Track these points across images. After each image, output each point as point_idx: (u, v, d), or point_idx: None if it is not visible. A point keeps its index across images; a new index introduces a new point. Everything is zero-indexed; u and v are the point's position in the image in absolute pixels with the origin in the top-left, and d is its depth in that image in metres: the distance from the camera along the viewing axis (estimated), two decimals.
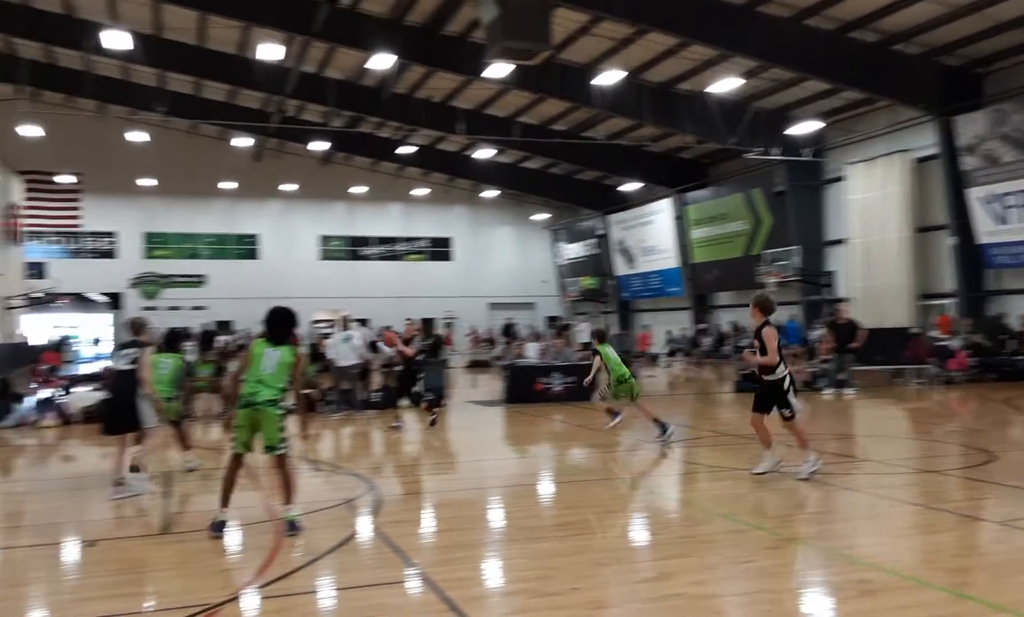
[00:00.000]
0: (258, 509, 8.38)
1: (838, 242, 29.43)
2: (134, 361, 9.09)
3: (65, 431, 15.19)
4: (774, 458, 9.47)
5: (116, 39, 23.61)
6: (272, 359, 7.27)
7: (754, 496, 8.95)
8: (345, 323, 18.10)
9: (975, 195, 23.93)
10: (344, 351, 17.00)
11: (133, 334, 9.50)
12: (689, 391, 23.36)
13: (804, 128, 27.33)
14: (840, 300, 26.97)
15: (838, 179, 29.00)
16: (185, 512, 8.50)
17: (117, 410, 9.23)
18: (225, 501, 7.33)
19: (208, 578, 6.26)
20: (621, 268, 41.85)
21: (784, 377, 9.23)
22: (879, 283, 27.00)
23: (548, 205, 45.64)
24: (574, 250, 46.07)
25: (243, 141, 37.29)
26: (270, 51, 24.90)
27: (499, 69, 22.34)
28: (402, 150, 37.03)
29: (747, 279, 31.56)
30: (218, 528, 7.24)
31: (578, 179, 41.20)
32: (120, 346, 9.41)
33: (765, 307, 9.25)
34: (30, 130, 32.08)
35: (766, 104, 27.93)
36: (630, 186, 38.10)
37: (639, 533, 7.67)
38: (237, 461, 7.39)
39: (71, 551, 7.25)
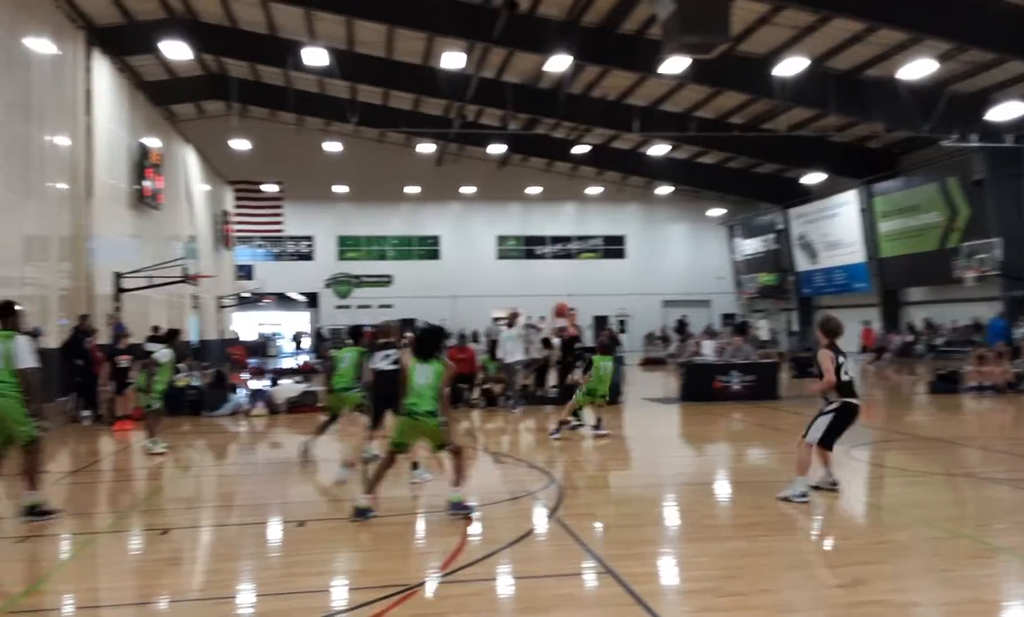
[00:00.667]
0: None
1: None
2: (396, 361, 9.97)
3: (272, 420, 16.49)
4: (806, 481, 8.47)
5: (315, 56, 25.37)
6: (425, 373, 7.91)
7: (949, 502, 8.52)
8: (512, 319, 18.19)
9: None
10: (510, 347, 17.28)
11: (385, 337, 10.39)
12: (883, 390, 22.24)
13: (1006, 112, 25.35)
14: None
15: None
16: (380, 498, 9.11)
17: (383, 406, 10.11)
18: (370, 489, 7.94)
19: (402, 560, 6.72)
20: (802, 263, 40.36)
21: (835, 406, 8.51)
22: None
23: (724, 200, 44.69)
24: (751, 246, 44.85)
25: (426, 147, 38.97)
26: (452, 59, 25.90)
27: (675, 64, 22.11)
28: (576, 150, 37.37)
29: (943, 274, 29.69)
30: (361, 514, 7.77)
31: (756, 173, 40.08)
32: (377, 347, 10.24)
33: (827, 329, 8.57)
34: (239, 144, 35.00)
35: (963, 88, 26.14)
36: (812, 178, 36.68)
37: (829, 537, 7.50)
38: (391, 458, 8.04)
39: (279, 530, 7.95)
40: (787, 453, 12.09)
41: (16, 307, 8.06)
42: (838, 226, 37.20)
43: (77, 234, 21.46)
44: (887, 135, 31.80)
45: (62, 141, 20.65)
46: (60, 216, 20.44)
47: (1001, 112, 25.41)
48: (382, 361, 10.12)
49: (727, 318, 45.36)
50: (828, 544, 7.27)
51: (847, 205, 36.31)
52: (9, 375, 7.69)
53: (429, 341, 8.18)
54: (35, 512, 7.77)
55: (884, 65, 25.29)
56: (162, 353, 12.82)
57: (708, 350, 25.19)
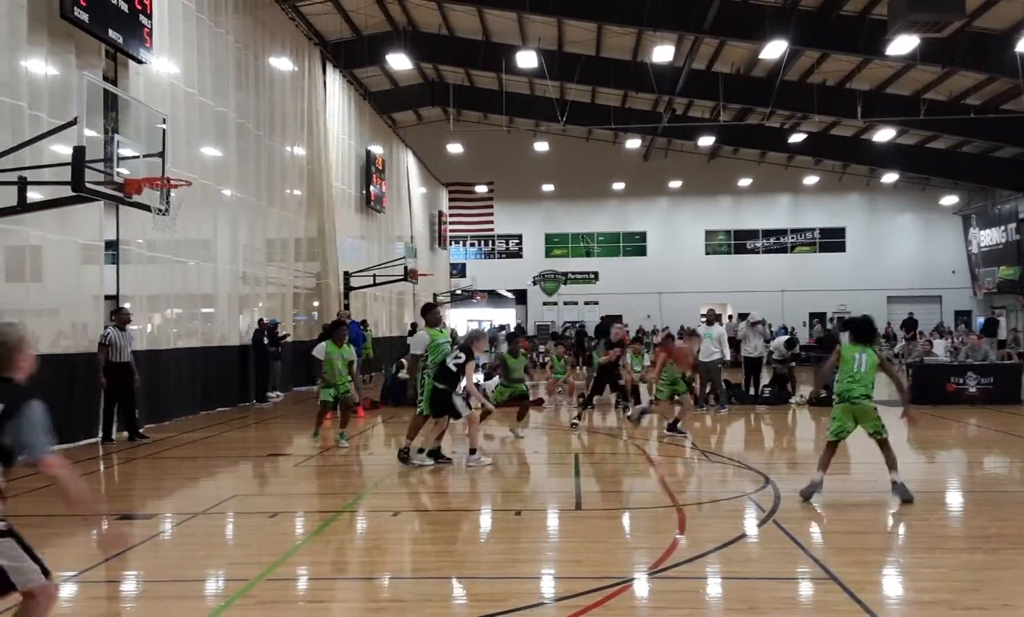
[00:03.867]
0: (656, 493, 8.85)
1: None
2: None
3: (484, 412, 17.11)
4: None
5: (525, 58, 26.07)
6: (862, 360, 8.49)
7: None
8: (712, 318, 17.75)
9: None
10: (706, 346, 16.65)
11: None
12: None
13: None
14: None
15: None
16: (592, 492, 9.28)
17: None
18: (823, 466, 8.61)
19: (619, 553, 6.82)
20: None
21: None
22: None
23: (957, 188, 41.34)
24: (990, 236, 41.19)
25: (633, 142, 38.90)
26: (662, 53, 25.71)
27: (903, 44, 20.77)
28: (792, 139, 35.93)
29: None
30: (809, 494, 8.40)
31: (995, 157, 36.73)
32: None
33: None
34: (454, 147, 36.58)
35: None
36: None
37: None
38: (832, 448, 8.71)
39: (496, 518, 8.28)
40: None
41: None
42: None
43: (314, 236, 23.37)
44: None
45: (299, 151, 22.49)
46: (297, 221, 22.30)
47: None
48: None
49: (960, 315, 41.96)
50: None
51: None
52: None
53: (864, 329, 8.72)
54: None
55: None
56: (318, 348, 12.96)
57: (939, 350, 23.51)
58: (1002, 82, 26.91)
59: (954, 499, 9.18)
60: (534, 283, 45.06)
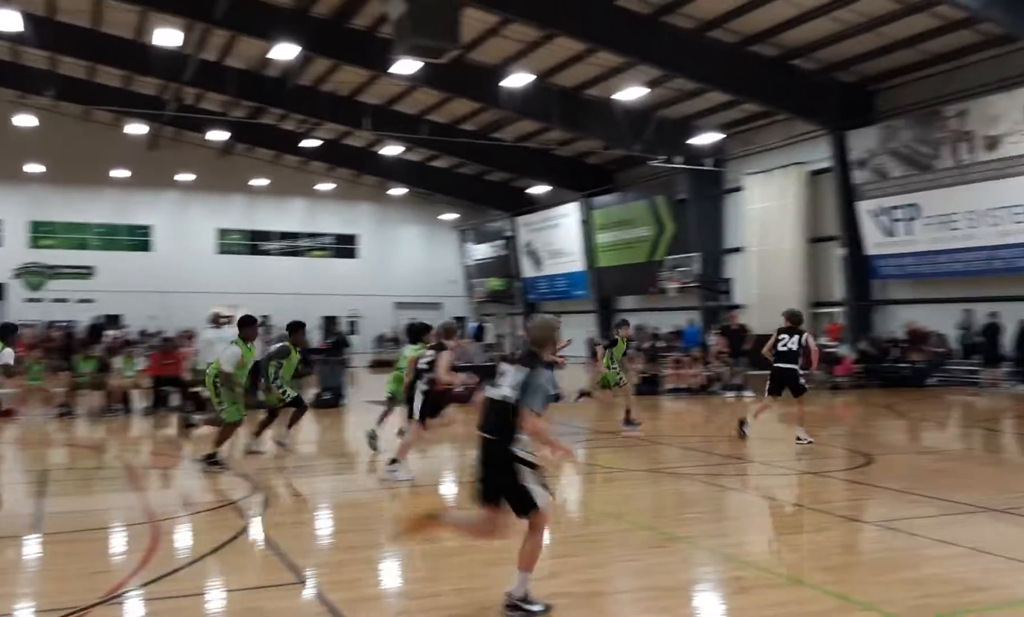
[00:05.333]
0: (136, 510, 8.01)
1: (736, 250, 30.24)
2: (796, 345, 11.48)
3: None
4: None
5: (6, 19, 22.34)
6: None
7: (646, 497, 9.05)
8: (217, 320, 16.11)
9: (865, 208, 24.92)
10: (205, 349, 15.20)
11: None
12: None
13: (705, 138, 27.97)
14: (734, 307, 27.76)
15: (737, 189, 29.80)
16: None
17: None
18: None
19: (77, 580, 5.93)
20: (528, 270, 42.05)
21: None
22: (774, 291, 27.81)
23: (456, 205, 45.47)
24: (482, 251, 46.05)
25: (138, 128, 35.81)
26: (168, 37, 24.03)
27: (407, 66, 22.06)
28: (306, 143, 36.30)
29: (649, 284, 32.09)
30: None
31: (487, 180, 41.20)
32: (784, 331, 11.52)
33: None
34: None
35: (670, 113, 28.47)
36: (538, 189, 38.33)
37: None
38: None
39: None
40: None
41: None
42: (560, 236, 39.16)
43: None
44: (604, 152, 33.91)
45: None
46: None
47: (702, 138, 28.00)
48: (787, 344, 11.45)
49: (458, 321, 46.18)
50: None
51: (569, 216, 38.32)
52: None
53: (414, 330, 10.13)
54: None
55: (602, 86, 26.90)
56: None
57: None
58: (493, 112, 30.13)
59: (441, 491, 9.72)
60: (16, 277, 39.24)
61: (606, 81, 26.40)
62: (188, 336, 19.24)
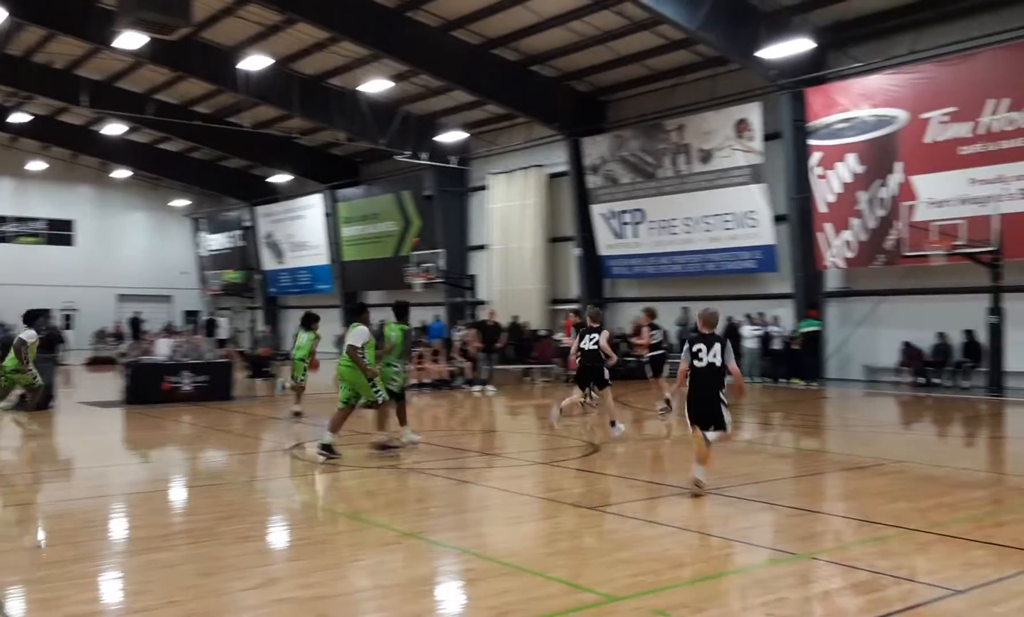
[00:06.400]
0: None
1: (480, 247, 30.95)
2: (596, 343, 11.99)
3: None
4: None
5: None
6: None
7: (383, 494, 8.90)
8: None
9: (597, 211, 26.43)
10: None
11: (592, 321, 12.36)
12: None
13: (451, 136, 28.35)
14: (482, 303, 28.42)
15: (482, 188, 30.51)
16: None
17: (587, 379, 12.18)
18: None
19: None
20: (269, 262, 40.53)
21: None
22: (515, 288, 28.81)
23: (189, 191, 42.86)
24: (218, 241, 43.79)
25: None
26: None
27: (132, 40, 20.33)
28: (15, 118, 32.57)
29: (396, 279, 32.01)
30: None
31: (224, 166, 39.20)
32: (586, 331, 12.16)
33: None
34: None
35: (416, 109, 28.57)
36: (280, 178, 37.06)
37: (255, 539, 7.21)
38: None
39: None
40: (239, 454, 11.72)
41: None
42: (304, 228, 38.06)
43: None
44: (349, 144, 33.40)
45: None
46: None
47: (447, 136, 28.32)
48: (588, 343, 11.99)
49: (190, 315, 43.52)
50: (251, 546, 6.93)
51: (313, 208, 37.35)
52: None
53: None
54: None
55: (347, 76, 26.45)
56: None
57: (164, 349, 23.67)
58: (230, 95, 28.61)
59: (156, 498, 8.96)
60: None
61: (351, 72, 26.02)
62: None
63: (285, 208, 38.90)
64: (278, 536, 7.31)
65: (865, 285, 21.49)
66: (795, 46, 19.50)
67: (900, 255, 19.48)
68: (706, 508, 7.79)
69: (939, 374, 20.14)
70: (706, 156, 23.49)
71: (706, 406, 8.05)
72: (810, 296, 21.68)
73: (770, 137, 22.07)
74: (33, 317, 15.83)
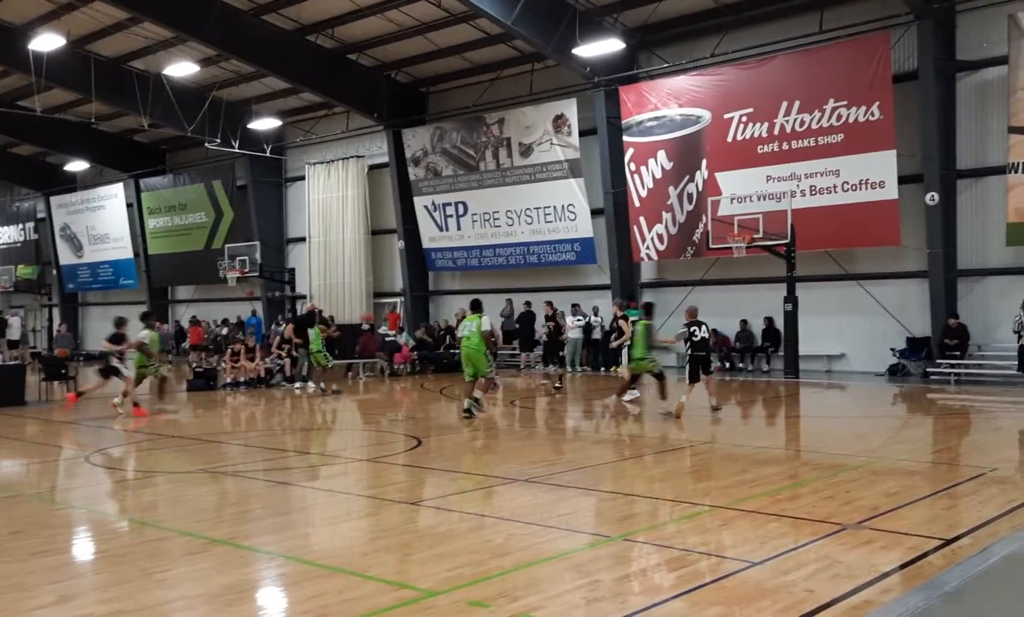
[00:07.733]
0: None
1: (300, 240, 30.06)
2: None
3: None
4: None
5: None
6: None
7: (190, 500, 8.41)
8: None
9: (421, 203, 26.30)
10: None
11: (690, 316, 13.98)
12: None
13: (265, 124, 27.31)
14: (302, 297, 27.58)
15: (300, 178, 29.62)
16: None
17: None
18: None
19: None
20: (66, 256, 37.68)
21: None
22: (337, 281, 28.19)
23: None
24: (7, 234, 40.31)
25: None
26: None
27: None
28: None
29: (208, 273, 30.48)
30: None
31: (14, 153, 36.02)
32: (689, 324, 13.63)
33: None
34: None
35: (227, 95, 27.31)
36: (77, 166, 34.45)
37: (48, 553, 6.60)
38: None
39: None
40: (34, 463, 10.78)
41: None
42: (105, 219, 35.59)
43: None
44: (154, 131, 31.49)
45: None
46: None
47: (261, 124, 27.20)
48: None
49: None
50: (41, 564, 6.34)
51: (114, 198, 35.00)
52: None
53: None
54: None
55: (150, 59, 24.95)
56: None
57: None
58: (19, 77, 26.27)
59: None
60: None
61: (155, 55, 24.60)
62: None
63: (83, 198, 36.25)
64: (75, 550, 6.75)
65: (677, 276, 22.58)
66: (607, 46, 20.19)
67: (707, 247, 20.61)
68: (529, 496, 7.87)
69: (743, 359, 21.51)
70: (526, 150, 23.90)
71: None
72: (626, 287, 22.53)
73: (587, 133, 22.72)
74: None
